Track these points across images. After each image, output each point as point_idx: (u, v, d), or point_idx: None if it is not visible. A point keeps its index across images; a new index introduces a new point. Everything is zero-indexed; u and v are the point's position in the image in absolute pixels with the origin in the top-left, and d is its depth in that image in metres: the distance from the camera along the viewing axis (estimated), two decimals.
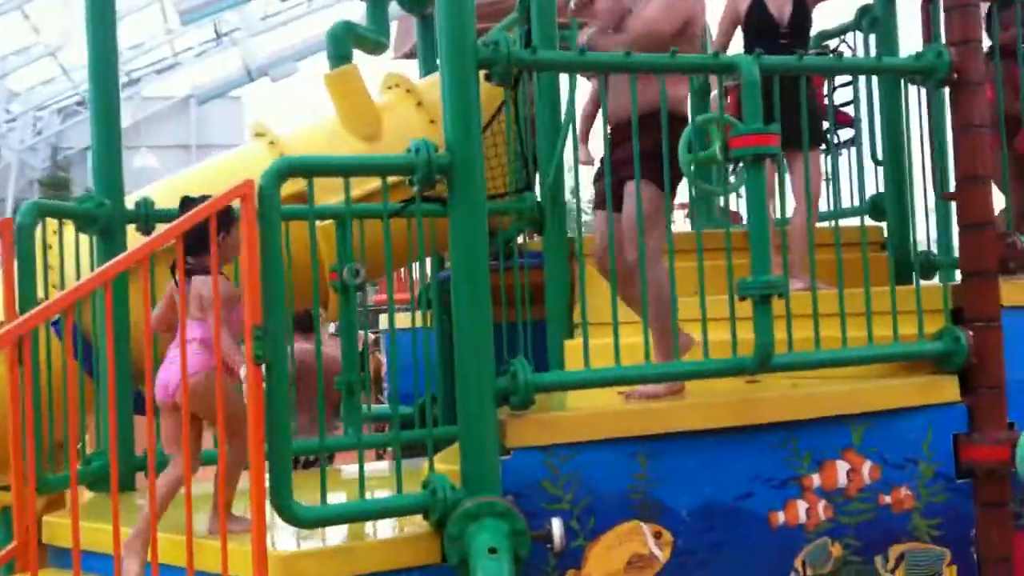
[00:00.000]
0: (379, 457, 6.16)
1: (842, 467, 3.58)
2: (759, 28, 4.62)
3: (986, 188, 3.77)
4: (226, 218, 3.04)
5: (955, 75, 3.73)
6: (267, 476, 2.86)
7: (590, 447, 3.26)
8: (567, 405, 3.65)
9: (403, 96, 5.08)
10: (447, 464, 3.28)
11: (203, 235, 2.92)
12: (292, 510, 2.88)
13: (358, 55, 5.17)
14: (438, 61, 5.68)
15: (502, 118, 4.46)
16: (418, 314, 5.08)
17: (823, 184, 4.87)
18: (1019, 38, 4.22)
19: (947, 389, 3.74)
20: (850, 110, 5.25)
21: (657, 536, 3.32)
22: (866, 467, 3.61)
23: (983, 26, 4.26)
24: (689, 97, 3.31)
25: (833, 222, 4.19)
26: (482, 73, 3.16)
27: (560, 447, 3.23)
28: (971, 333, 3.70)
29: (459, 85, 3.04)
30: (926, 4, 4.04)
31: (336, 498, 3.35)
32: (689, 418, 3.42)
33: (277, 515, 2.88)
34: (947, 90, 3.84)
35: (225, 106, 25.17)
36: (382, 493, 3.66)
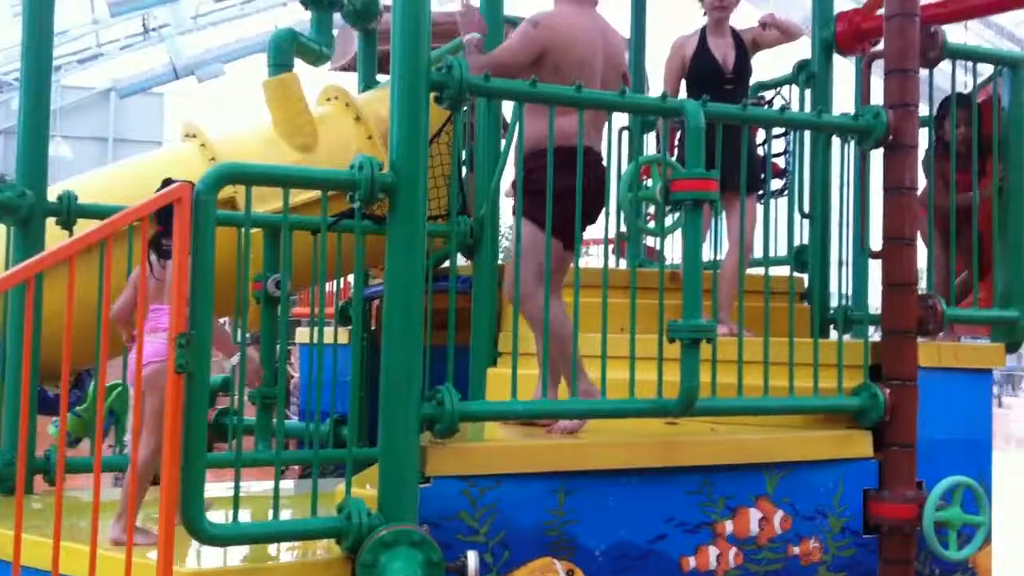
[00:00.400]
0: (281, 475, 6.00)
1: (755, 515, 3.61)
2: (704, 74, 4.68)
3: (911, 249, 3.85)
4: None
5: (891, 137, 3.82)
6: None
7: (510, 480, 3.22)
8: (486, 434, 3.61)
9: (342, 109, 5.01)
10: (360, 488, 3.20)
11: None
12: (201, 526, 2.77)
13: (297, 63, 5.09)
14: (378, 77, 5.71)
15: (440, 140, 4.43)
16: (338, 330, 5.02)
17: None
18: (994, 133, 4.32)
19: (861, 444, 3.80)
20: (782, 161, 5.36)
21: (570, 574, 3.29)
22: (777, 517, 3.64)
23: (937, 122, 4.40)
24: (580, 130, 3.28)
25: (762, 270, 4.24)
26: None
27: (480, 478, 3.18)
28: (888, 391, 3.76)
29: (409, 106, 3.00)
30: (866, 66, 4.13)
31: (243, 516, 3.25)
32: (610, 457, 3.40)
33: (185, 530, 2.77)
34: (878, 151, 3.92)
35: (146, 102, 24.62)
36: (289, 513, 3.57)
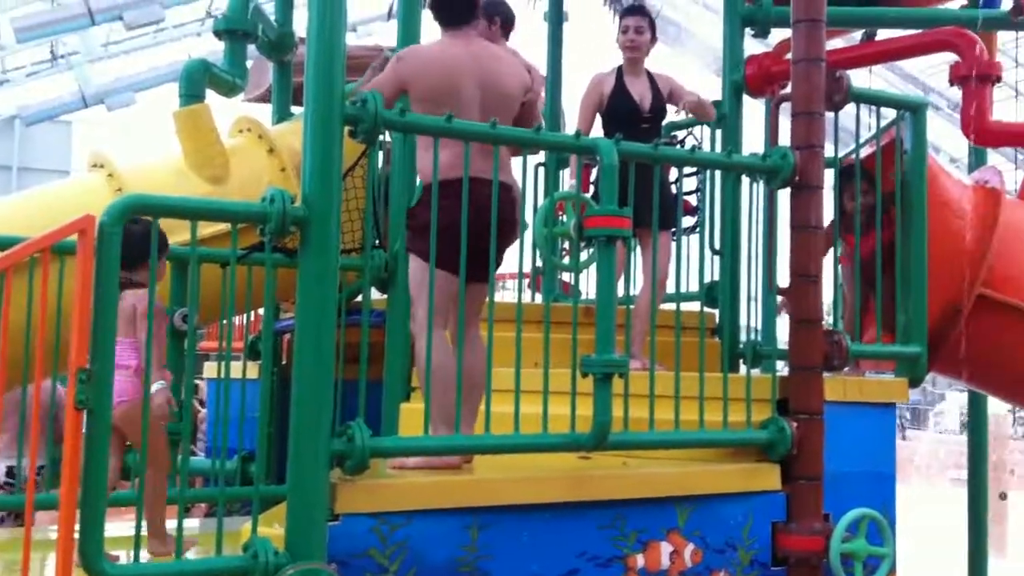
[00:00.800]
0: (186, 513, 5.86)
1: (666, 548, 3.62)
2: (622, 113, 4.72)
3: (817, 286, 3.94)
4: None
5: (797, 177, 3.91)
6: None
7: (422, 516, 3.18)
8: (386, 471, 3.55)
9: (254, 141, 4.95)
10: (268, 526, 3.14)
11: (142, 249, 2.90)
12: (100, 567, 2.68)
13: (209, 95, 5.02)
14: (293, 109, 5.67)
15: (354, 173, 4.41)
16: (247, 364, 4.93)
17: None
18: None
19: (769, 477, 3.85)
20: (693, 199, 5.46)
21: None
22: (688, 550, 3.66)
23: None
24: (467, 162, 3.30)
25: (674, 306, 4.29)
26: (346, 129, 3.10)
27: (391, 515, 3.14)
28: (795, 424, 3.83)
29: (323, 139, 2.97)
30: (774, 108, 4.24)
31: (146, 555, 3.15)
32: (523, 492, 3.39)
33: (84, 571, 2.68)
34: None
35: (53, 130, 24.00)
36: (194, 553, 3.48)
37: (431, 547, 3.19)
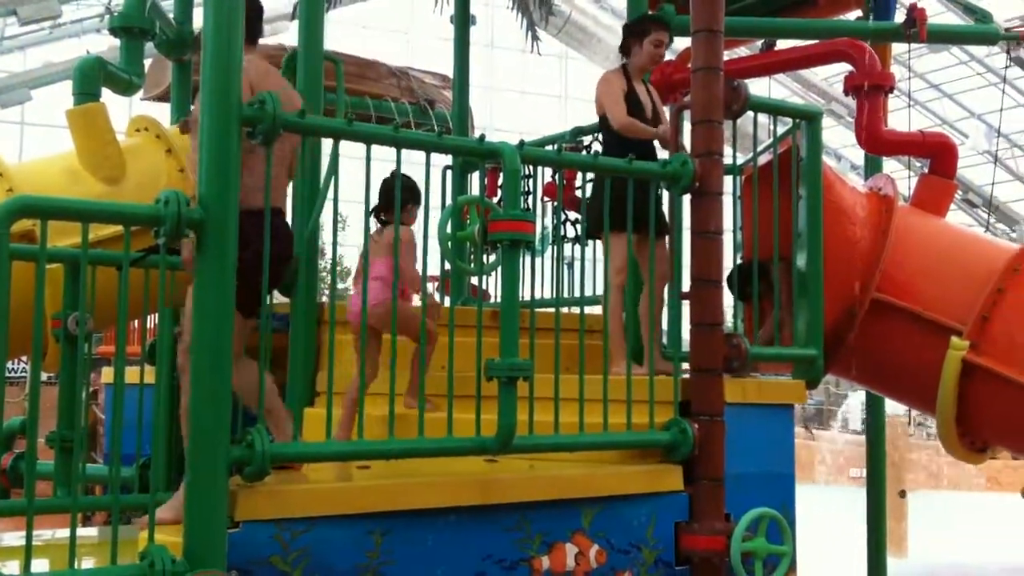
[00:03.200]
0: (86, 521, 5.71)
1: (571, 550, 3.64)
2: (632, 114, 4.59)
3: (717, 290, 4.01)
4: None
5: (697, 184, 3.97)
6: None
7: (324, 523, 3.14)
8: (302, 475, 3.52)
9: (152, 141, 4.85)
10: (167, 535, 3.06)
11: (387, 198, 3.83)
12: None
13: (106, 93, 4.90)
14: (192, 108, 5.55)
15: None
16: (144, 369, 4.81)
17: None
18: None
19: (672, 478, 3.91)
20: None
21: None
22: (593, 551, 3.69)
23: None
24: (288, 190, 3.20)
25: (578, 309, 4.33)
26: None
27: (293, 521, 3.09)
28: (697, 426, 3.89)
29: (219, 141, 2.91)
30: (674, 115, 4.30)
31: (40, 566, 3.06)
32: (428, 496, 3.37)
33: None
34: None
35: None
36: (92, 562, 3.38)
37: (334, 553, 3.15)
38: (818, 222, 4.44)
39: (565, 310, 4.68)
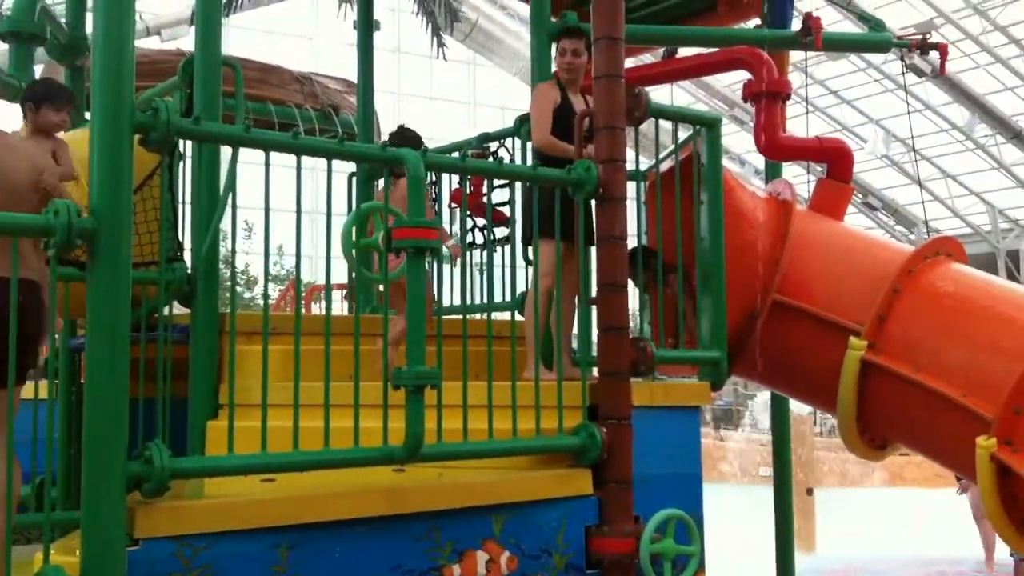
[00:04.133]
0: None
1: (481, 557, 3.63)
2: (565, 127, 4.58)
3: (623, 295, 4.05)
4: None
5: (601, 190, 4.00)
6: None
7: (227, 538, 3.08)
8: (207, 490, 3.44)
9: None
10: (65, 555, 2.96)
11: None
12: None
13: None
14: (87, 116, 5.40)
15: (153, 182, 4.23)
16: (43, 384, 4.66)
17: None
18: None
19: (582, 482, 3.92)
20: (507, 210, 5.51)
21: None
22: (504, 558, 3.68)
23: None
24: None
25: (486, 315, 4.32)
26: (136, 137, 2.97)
27: (195, 537, 3.02)
28: (605, 430, 3.91)
29: (111, 149, 2.83)
30: (579, 122, 4.33)
31: None
32: (334, 508, 3.33)
33: None
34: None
35: None
36: None
37: (238, 569, 3.09)
38: (719, 226, 4.52)
39: (473, 317, 4.66)
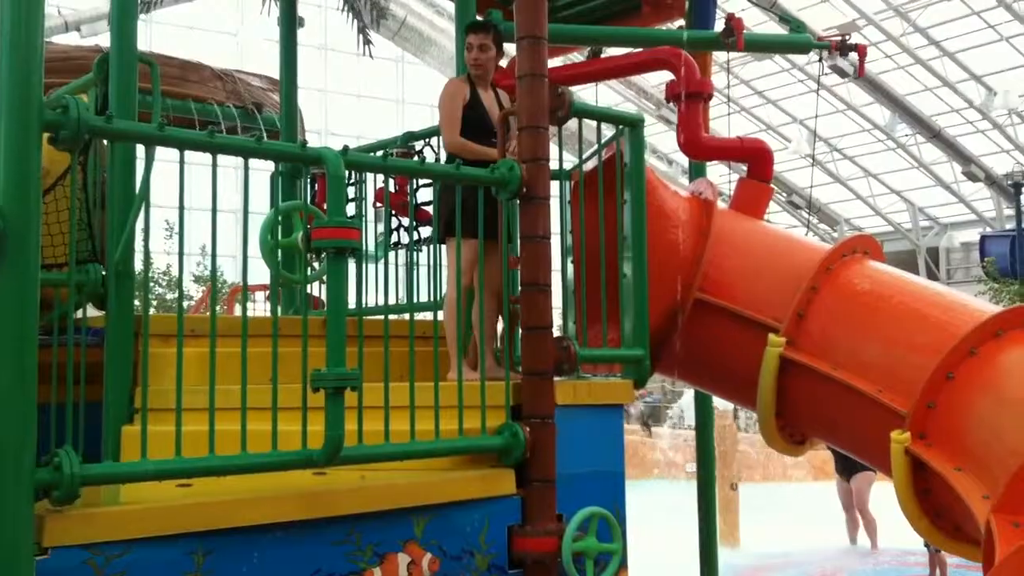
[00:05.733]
0: None
1: (403, 560, 3.61)
2: (474, 124, 4.65)
3: (546, 295, 4.05)
4: None
5: (525, 189, 4.01)
6: None
7: (141, 544, 3.02)
8: (124, 497, 3.36)
9: None
10: None
11: None
12: None
13: None
14: None
15: (65, 183, 4.13)
16: None
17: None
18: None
19: (505, 482, 3.92)
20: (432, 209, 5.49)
21: None
22: (426, 560, 3.67)
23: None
24: None
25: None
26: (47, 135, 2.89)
27: (107, 545, 2.95)
28: (528, 429, 3.92)
29: (18, 147, 2.76)
30: (501, 122, 4.33)
31: None
32: (251, 512, 3.28)
33: None
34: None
35: None
36: None
37: None
38: (642, 225, 4.56)
39: (395, 317, 4.64)
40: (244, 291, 3.30)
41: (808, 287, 4.75)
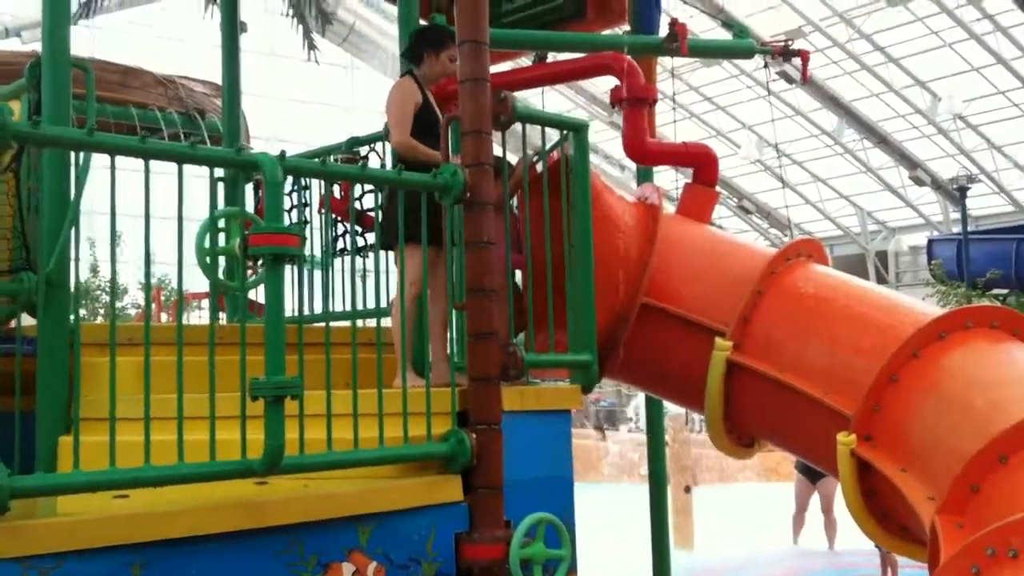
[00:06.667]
0: None
1: (348, 569, 3.57)
2: (428, 126, 4.58)
3: (491, 300, 4.02)
4: None
5: (468, 194, 3.98)
6: None
7: (75, 557, 2.95)
8: (61, 508, 3.28)
9: None
10: None
11: None
12: None
13: None
14: None
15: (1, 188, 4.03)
16: None
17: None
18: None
19: (451, 489, 3.89)
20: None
21: None
22: (371, 568, 3.62)
23: None
24: None
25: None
26: None
27: (40, 558, 2.89)
28: (474, 435, 3.89)
29: None
30: (444, 128, 4.31)
31: None
32: (188, 523, 3.21)
33: None
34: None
35: None
36: None
37: None
38: (588, 230, 4.55)
39: (338, 324, 4.58)
40: (180, 299, 3.24)
41: (753, 291, 4.77)
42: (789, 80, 22.10)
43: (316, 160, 3.63)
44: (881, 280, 34.93)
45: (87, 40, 18.84)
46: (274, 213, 3.25)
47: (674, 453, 13.08)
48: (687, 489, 13.02)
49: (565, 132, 4.62)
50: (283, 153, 3.39)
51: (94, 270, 25.20)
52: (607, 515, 11.18)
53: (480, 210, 4.01)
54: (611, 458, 21.28)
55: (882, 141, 29.09)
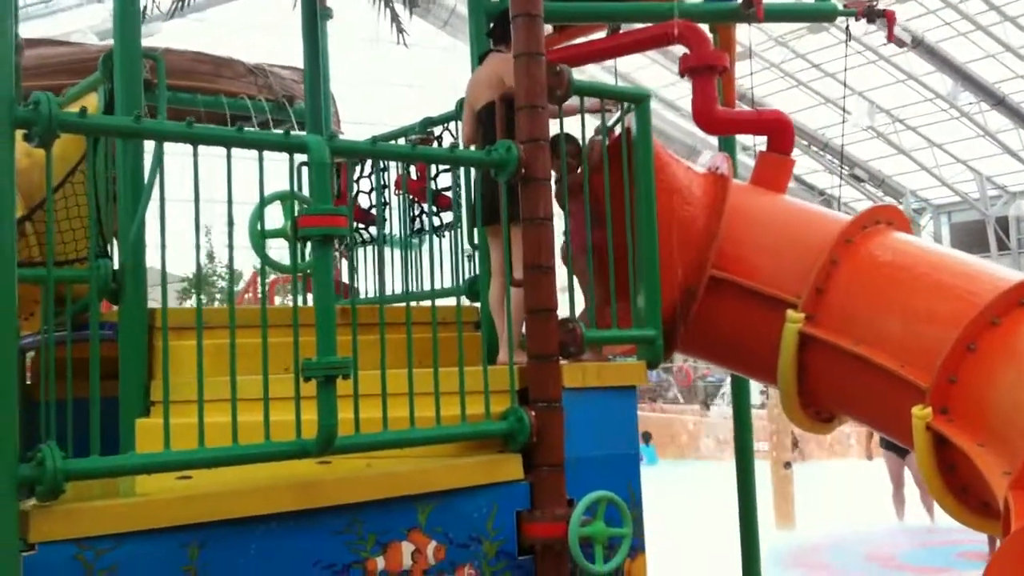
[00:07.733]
0: None
1: (407, 548, 3.59)
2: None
3: (550, 276, 3.99)
4: None
5: (523, 170, 3.94)
6: None
7: (132, 539, 3.03)
8: (139, 490, 3.37)
9: None
10: None
11: None
12: None
13: None
14: None
15: (75, 179, 4.17)
16: None
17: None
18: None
19: (511, 467, 3.87)
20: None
21: None
22: (431, 547, 3.64)
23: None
24: None
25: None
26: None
27: (97, 539, 2.97)
28: (534, 413, 3.87)
29: None
30: (499, 102, 4.27)
31: None
32: (247, 504, 3.27)
33: None
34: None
35: None
36: None
37: (145, 570, 3.04)
38: (652, 203, 4.46)
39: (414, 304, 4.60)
40: (230, 280, 3.30)
41: (827, 260, 4.61)
42: (900, 44, 21.32)
43: (367, 140, 3.64)
44: (1002, 247, 33.53)
45: (195, 32, 19.43)
46: (322, 194, 3.27)
47: (774, 430, 12.82)
48: (787, 465, 12.74)
49: (628, 104, 4.53)
50: (332, 135, 3.41)
51: (210, 256, 25.99)
52: (704, 493, 11.04)
53: (536, 186, 3.97)
54: (709, 434, 21.00)
55: (1000, 103, 27.85)
